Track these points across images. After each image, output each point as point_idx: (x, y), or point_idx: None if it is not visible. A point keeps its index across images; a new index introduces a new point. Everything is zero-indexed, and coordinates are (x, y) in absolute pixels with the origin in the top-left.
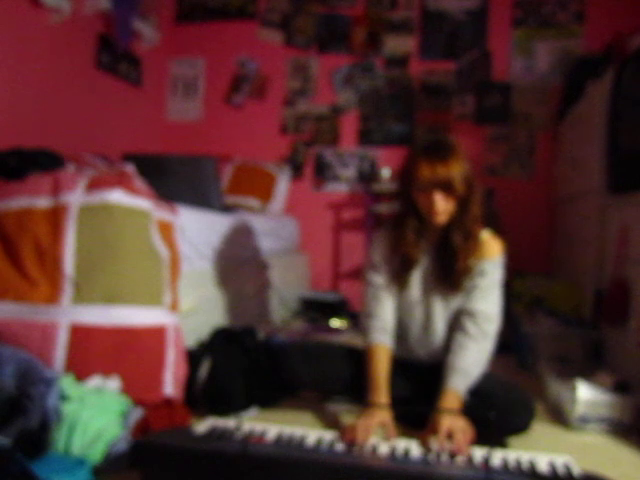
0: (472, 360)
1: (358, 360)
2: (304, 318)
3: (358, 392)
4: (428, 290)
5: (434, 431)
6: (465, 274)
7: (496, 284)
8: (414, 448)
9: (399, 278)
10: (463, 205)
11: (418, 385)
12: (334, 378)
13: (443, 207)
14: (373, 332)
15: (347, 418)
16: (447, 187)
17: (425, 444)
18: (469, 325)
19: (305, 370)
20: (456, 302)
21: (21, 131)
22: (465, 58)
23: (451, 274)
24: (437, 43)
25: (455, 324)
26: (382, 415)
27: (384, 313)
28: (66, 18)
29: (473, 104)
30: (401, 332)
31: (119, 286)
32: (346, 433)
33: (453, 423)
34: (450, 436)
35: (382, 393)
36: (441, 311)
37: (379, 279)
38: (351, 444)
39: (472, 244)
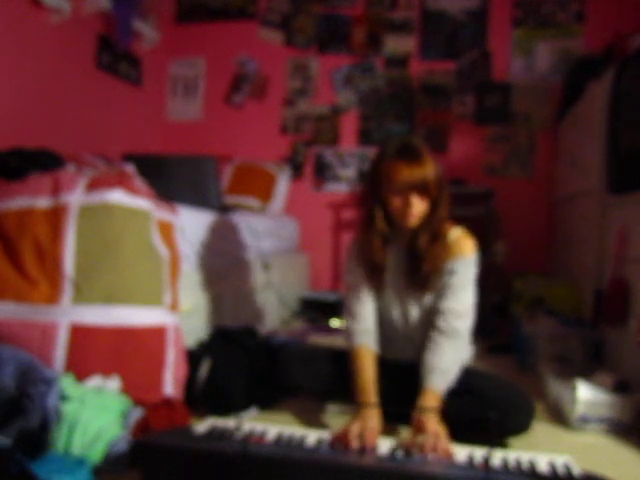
0: (447, 358)
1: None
2: (304, 318)
3: (353, 393)
4: (401, 291)
5: (418, 431)
6: (433, 274)
7: (468, 282)
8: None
9: (372, 281)
10: (433, 207)
11: (405, 385)
12: (331, 381)
13: (419, 210)
14: (356, 334)
15: (345, 419)
16: (423, 188)
17: (409, 444)
18: (440, 323)
19: (301, 373)
20: (429, 301)
21: (21, 131)
22: (465, 58)
23: (419, 275)
24: (437, 43)
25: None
26: (373, 419)
27: (365, 314)
28: (66, 18)
29: (473, 104)
30: (383, 333)
31: (119, 286)
32: (339, 439)
33: (437, 427)
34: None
35: (370, 396)
36: (417, 311)
37: (357, 282)
38: (345, 451)
39: (439, 245)
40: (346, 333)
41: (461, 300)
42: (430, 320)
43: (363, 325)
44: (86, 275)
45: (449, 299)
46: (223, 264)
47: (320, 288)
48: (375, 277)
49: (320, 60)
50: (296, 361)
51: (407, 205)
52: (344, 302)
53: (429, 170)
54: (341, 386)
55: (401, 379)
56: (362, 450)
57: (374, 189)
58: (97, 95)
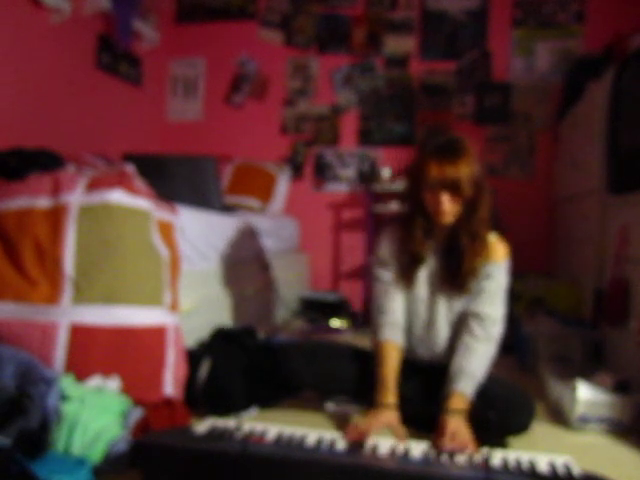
0: (478, 362)
1: (363, 360)
2: (304, 318)
3: (362, 392)
4: (434, 290)
5: (442, 433)
6: (471, 276)
7: (502, 288)
8: (414, 448)
9: (406, 275)
10: (471, 207)
11: (419, 385)
12: (336, 377)
13: (449, 208)
14: (383, 328)
15: (350, 418)
16: (454, 188)
17: (437, 447)
18: (476, 327)
19: (307, 370)
20: (460, 304)
21: (21, 131)
22: (465, 58)
23: (457, 275)
24: (437, 43)
25: (460, 326)
26: (389, 416)
27: (394, 308)
28: (66, 18)
29: (473, 104)
30: (405, 330)
31: (119, 286)
32: (349, 431)
33: (459, 427)
34: (453, 437)
35: (390, 393)
36: (445, 312)
37: (388, 275)
38: (352, 442)
39: (479, 246)
40: (373, 325)
41: (497, 307)
42: (457, 323)
43: (391, 318)
44: (86, 275)
45: (487, 304)
46: (223, 264)
47: (320, 288)
48: (412, 270)
49: (320, 60)
50: (300, 358)
51: (437, 202)
52: (373, 295)
53: (463, 170)
54: (352, 385)
55: (416, 380)
56: (352, 442)
57: (414, 185)
58: (97, 95)
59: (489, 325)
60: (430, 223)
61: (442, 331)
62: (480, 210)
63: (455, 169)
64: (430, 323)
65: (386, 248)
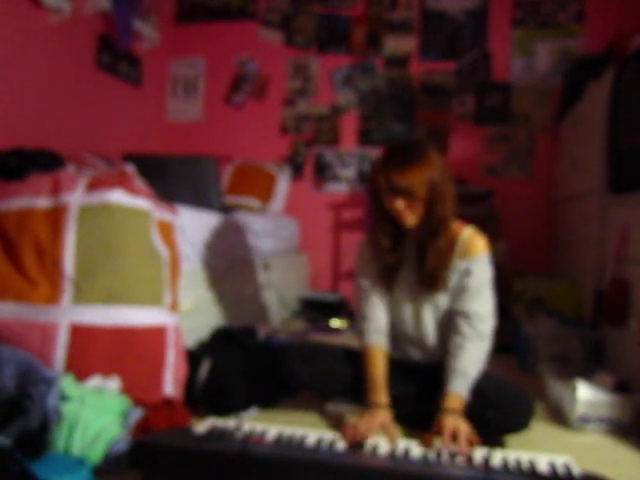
0: (470, 361)
1: (358, 361)
2: (304, 318)
3: (358, 393)
4: (414, 291)
5: (437, 431)
6: (440, 271)
7: (486, 282)
8: (414, 448)
9: (383, 281)
10: (429, 207)
11: (414, 385)
12: (334, 379)
13: (405, 211)
14: (368, 334)
15: (347, 418)
16: (407, 194)
17: (427, 444)
18: (464, 327)
19: (304, 370)
20: (443, 301)
21: (21, 131)
22: (465, 58)
23: (426, 271)
24: (437, 43)
25: (450, 325)
26: (383, 415)
27: (376, 314)
28: (66, 18)
29: (473, 104)
30: (394, 332)
31: (119, 286)
32: (347, 431)
33: (457, 424)
34: (454, 436)
35: (382, 393)
36: (430, 311)
37: (367, 282)
38: (353, 443)
39: (441, 243)
40: (358, 332)
41: (483, 302)
42: (446, 321)
43: (375, 325)
44: (86, 275)
45: (472, 302)
46: (223, 264)
47: (320, 288)
48: (387, 276)
49: (320, 60)
50: (298, 359)
51: (393, 208)
52: (356, 303)
53: (411, 177)
54: (348, 385)
55: (411, 380)
56: (353, 442)
57: (373, 192)
58: (97, 95)
59: (477, 322)
60: (400, 226)
61: (430, 331)
62: (437, 210)
63: (401, 177)
64: (417, 324)
65: (363, 256)
